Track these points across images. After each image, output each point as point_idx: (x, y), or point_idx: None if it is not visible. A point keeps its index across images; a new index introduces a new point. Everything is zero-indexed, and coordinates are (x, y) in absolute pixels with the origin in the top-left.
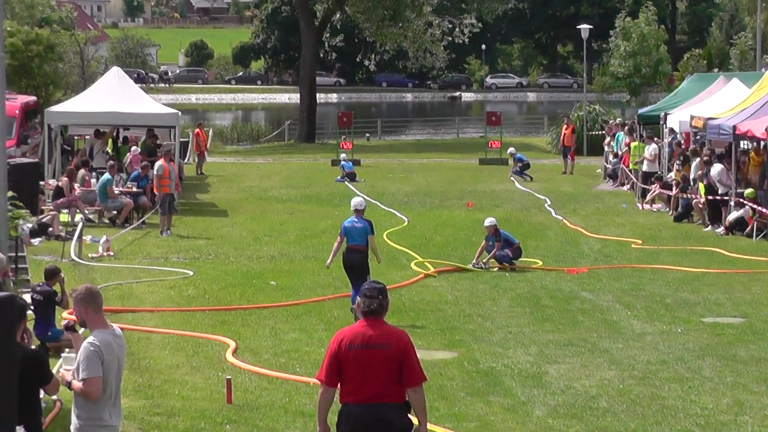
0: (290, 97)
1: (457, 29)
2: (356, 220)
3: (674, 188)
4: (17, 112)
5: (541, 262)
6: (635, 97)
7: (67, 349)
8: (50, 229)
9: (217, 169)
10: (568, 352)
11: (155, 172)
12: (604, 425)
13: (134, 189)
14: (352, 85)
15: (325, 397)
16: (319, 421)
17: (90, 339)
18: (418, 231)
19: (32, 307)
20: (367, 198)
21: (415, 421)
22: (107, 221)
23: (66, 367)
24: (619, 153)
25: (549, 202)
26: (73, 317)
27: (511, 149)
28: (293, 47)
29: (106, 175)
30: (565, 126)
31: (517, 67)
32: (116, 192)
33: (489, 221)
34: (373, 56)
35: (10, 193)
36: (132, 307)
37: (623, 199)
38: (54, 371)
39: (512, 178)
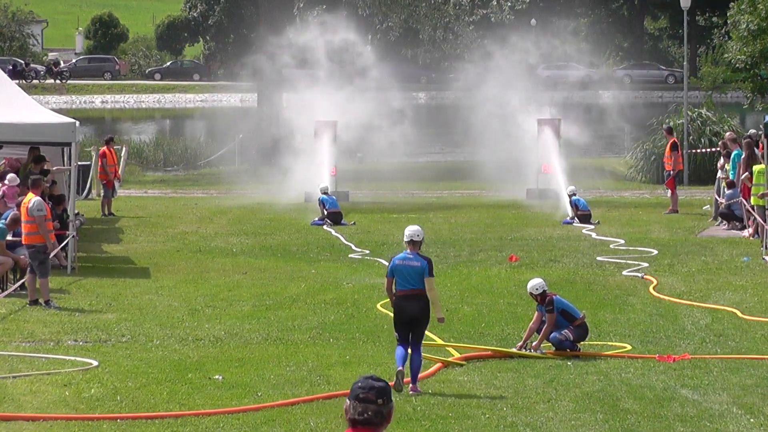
0: (243, 98)
1: (494, 1)
2: (410, 255)
3: None
4: None
5: (629, 347)
6: (762, 97)
7: None
8: None
9: (134, 207)
10: None
11: (35, 212)
12: None
13: (9, 237)
14: None
15: None
16: None
17: None
18: None
19: None
20: (356, 248)
21: None
22: None
23: None
24: (738, 181)
25: (654, 253)
26: None
27: (571, 188)
28: (247, 24)
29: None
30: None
31: (583, 53)
32: None
33: (534, 284)
34: (369, 37)
35: None
36: (6, 413)
37: (743, 250)
38: None
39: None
